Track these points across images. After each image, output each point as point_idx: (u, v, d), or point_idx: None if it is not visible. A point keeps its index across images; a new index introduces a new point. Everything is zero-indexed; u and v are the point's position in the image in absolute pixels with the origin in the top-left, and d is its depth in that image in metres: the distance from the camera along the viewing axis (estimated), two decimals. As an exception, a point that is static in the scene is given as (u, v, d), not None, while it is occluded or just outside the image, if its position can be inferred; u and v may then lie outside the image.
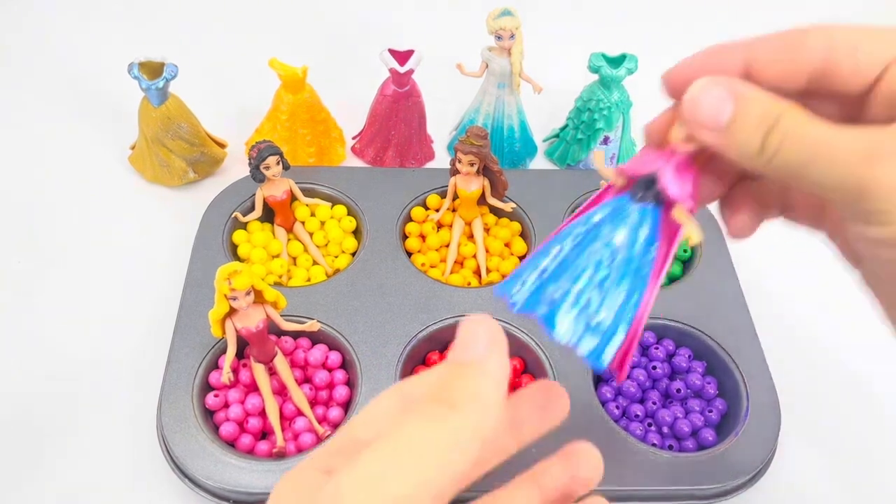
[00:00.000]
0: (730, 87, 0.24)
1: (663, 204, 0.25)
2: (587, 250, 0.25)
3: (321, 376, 0.49)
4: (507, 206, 0.58)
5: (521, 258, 0.58)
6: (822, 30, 0.25)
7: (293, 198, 0.58)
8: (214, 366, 0.49)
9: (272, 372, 0.48)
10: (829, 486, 0.49)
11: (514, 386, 0.50)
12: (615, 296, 0.24)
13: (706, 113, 0.24)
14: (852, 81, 0.24)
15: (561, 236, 0.26)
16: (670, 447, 0.48)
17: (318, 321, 0.50)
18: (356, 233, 0.59)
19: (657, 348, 0.51)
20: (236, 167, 0.65)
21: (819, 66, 0.24)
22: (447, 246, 0.57)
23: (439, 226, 0.58)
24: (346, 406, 0.49)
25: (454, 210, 0.58)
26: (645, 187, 0.26)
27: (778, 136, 0.23)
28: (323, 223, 0.59)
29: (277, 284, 0.54)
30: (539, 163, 0.69)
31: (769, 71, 0.25)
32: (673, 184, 0.25)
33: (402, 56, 0.60)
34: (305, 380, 0.50)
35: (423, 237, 0.58)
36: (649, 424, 0.49)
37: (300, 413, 0.48)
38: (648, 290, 0.25)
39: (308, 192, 0.59)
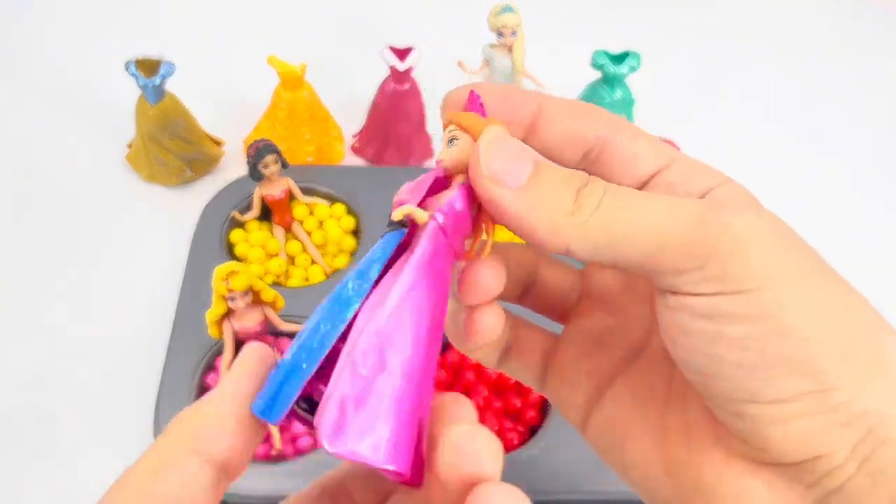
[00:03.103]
0: (527, 148, 0.21)
1: (405, 227, 0.21)
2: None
3: (320, 378, 0.48)
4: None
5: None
6: (610, 115, 0.23)
7: (291, 196, 0.57)
8: (212, 367, 0.48)
9: (270, 373, 0.48)
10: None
11: (510, 383, 0.50)
12: (308, 334, 0.20)
13: (502, 166, 0.20)
14: (622, 171, 0.22)
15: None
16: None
17: (317, 322, 0.49)
18: (355, 232, 0.58)
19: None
20: (234, 166, 0.64)
21: (599, 143, 0.22)
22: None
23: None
24: (346, 408, 0.48)
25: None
26: (388, 224, 0.22)
27: (597, 191, 0.20)
28: (321, 222, 0.58)
29: (275, 284, 0.54)
30: (540, 161, 0.69)
31: (557, 128, 0.22)
32: (403, 192, 0.21)
33: (402, 53, 0.60)
34: (304, 381, 0.49)
35: (423, 236, 0.57)
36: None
37: (299, 415, 0.47)
38: (357, 309, 0.20)
39: (307, 191, 0.58)
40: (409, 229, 0.21)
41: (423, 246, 0.20)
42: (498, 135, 0.21)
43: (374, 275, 0.20)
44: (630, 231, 0.19)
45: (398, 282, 0.19)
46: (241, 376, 0.20)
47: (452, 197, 0.21)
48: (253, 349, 0.21)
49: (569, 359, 0.26)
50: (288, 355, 0.20)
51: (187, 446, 0.19)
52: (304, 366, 0.19)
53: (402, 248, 0.21)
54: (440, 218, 0.20)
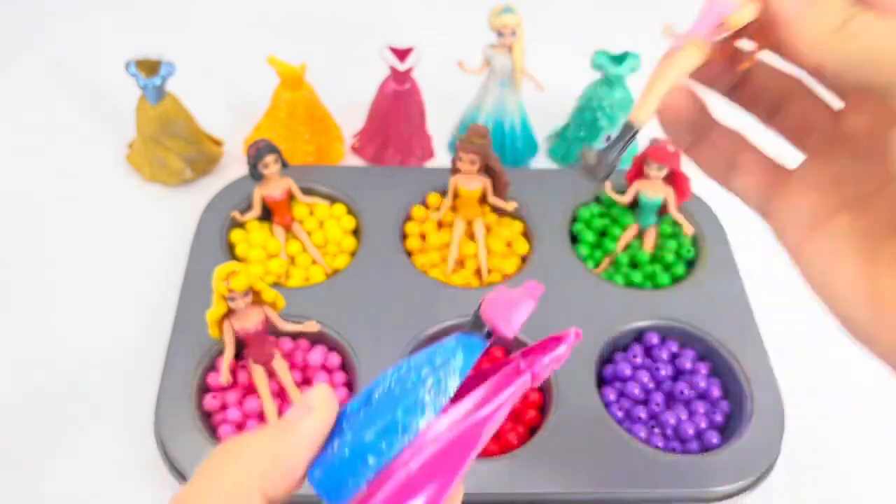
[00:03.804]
0: None
1: (489, 339, 0.23)
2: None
3: (320, 378, 0.48)
4: (509, 206, 0.57)
5: (523, 258, 0.57)
6: None
7: (291, 197, 0.57)
8: (212, 367, 0.48)
9: (271, 373, 0.48)
10: (833, 488, 0.49)
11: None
12: (366, 427, 0.21)
13: None
14: None
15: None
16: (674, 449, 0.47)
17: (317, 321, 0.49)
18: (355, 232, 0.58)
19: (660, 349, 0.51)
20: (235, 166, 0.65)
21: None
22: (448, 246, 0.57)
23: (440, 225, 0.58)
24: (346, 408, 0.48)
25: (455, 209, 0.58)
26: (474, 323, 0.23)
27: (865, 19, 0.21)
28: (322, 222, 0.58)
29: (276, 284, 0.54)
30: (540, 161, 0.69)
31: None
32: (505, 322, 0.22)
33: (402, 53, 0.60)
34: (304, 381, 0.49)
35: (423, 237, 0.58)
36: (653, 426, 0.48)
37: (299, 415, 0.47)
38: (426, 421, 0.21)
39: (307, 191, 0.58)
40: (491, 345, 0.23)
41: (508, 400, 0.22)
42: None
43: (452, 390, 0.21)
44: (882, 53, 0.21)
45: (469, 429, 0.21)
46: (318, 427, 0.21)
47: (553, 357, 0.23)
48: (329, 400, 0.22)
49: (799, 189, 0.27)
50: (353, 439, 0.21)
51: (258, 488, 0.20)
52: (371, 462, 0.20)
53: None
54: (529, 380, 0.22)
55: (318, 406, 0.22)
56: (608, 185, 0.58)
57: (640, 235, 0.58)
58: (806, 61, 0.22)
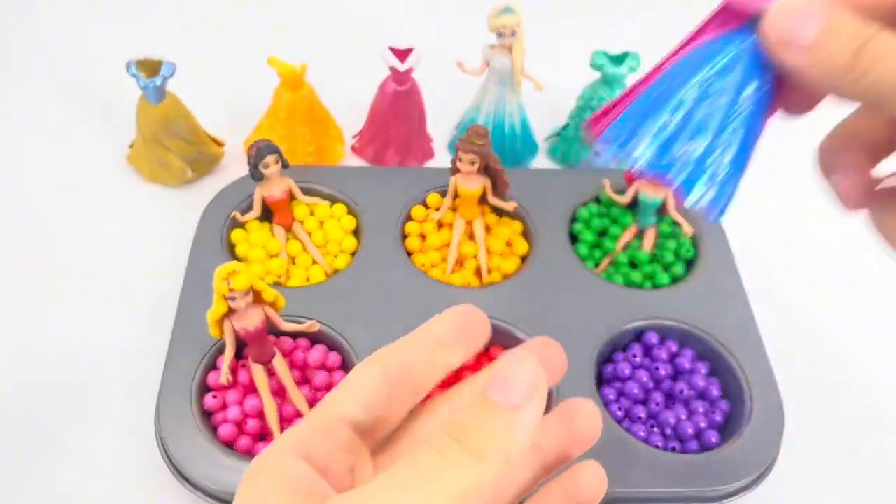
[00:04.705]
0: (818, 3, 0.21)
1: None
2: (711, 105, 0.23)
3: (320, 377, 0.49)
4: (509, 206, 0.57)
5: (523, 258, 0.57)
6: None
7: (292, 197, 0.57)
8: (213, 367, 0.49)
9: (271, 373, 0.48)
10: (834, 488, 0.49)
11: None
12: (738, 150, 0.24)
13: (789, 27, 0.21)
14: None
15: (676, 83, 0.25)
16: (673, 449, 0.47)
17: (318, 321, 0.49)
18: (356, 232, 0.58)
19: (660, 349, 0.51)
20: (235, 166, 0.65)
21: None
22: (447, 245, 0.57)
23: (440, 225, 0.58)
24: (346, 407, 0.48)
25: (455, 209, 0.58)
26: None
27: (874, 49, 0.20)
28: (322, 222, 0.58)
29: (276, 284, 0.54)
30: (540, 161, 0.69)
31: None
32: None
33: (403, 54, 0.60)
34: (304, 381, 0.49)
35: (423, 237, 0.58)
36: (652, 426, 0.48)
37: (299, 414, 0.47)
38: (762, 131, 0.24)
39: (307, 191, 0.59)
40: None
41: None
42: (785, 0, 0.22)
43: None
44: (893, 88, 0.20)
45: None
46: (536, 419, 0.20)
47: None
48: (544, 381, 0.20)
49: None
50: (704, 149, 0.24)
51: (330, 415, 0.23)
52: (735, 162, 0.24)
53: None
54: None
55: (539, 390, 0.20)
56: (607, 185, 0.58)
57: (639, 235, 0.58)
58: (838, 99, 0.22)
